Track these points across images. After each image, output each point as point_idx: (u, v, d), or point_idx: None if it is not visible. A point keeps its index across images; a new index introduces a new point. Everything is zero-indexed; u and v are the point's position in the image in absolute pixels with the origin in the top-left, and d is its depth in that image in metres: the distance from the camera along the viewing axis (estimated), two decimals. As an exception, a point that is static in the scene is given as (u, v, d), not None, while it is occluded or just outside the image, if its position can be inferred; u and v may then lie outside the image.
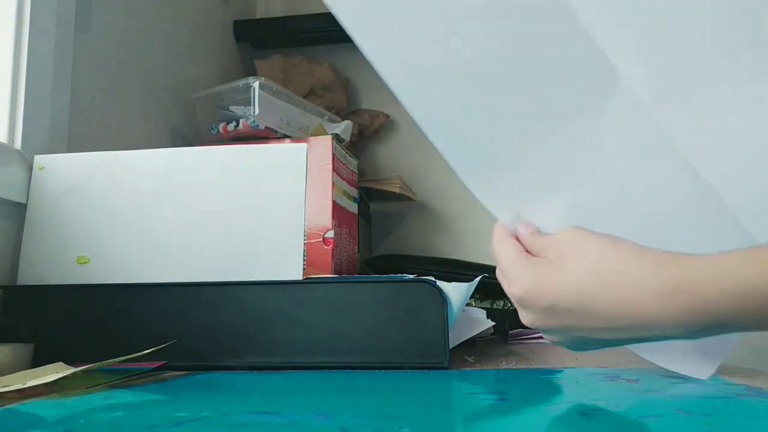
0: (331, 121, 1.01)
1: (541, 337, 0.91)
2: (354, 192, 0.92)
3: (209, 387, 0.44)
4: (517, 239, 0.43)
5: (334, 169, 0.83)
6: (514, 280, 0.41)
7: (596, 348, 0.42)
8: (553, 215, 0.44)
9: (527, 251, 0.42)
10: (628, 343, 0.41)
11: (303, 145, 0.63)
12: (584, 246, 0.39)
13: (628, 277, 0.36)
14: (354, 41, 0.44)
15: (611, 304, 0.36)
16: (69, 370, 0.44)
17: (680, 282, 0.34)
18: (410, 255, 1.14)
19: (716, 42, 0.41)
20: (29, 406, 0.36)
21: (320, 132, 0.97)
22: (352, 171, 0.92)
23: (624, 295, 0.36)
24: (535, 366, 0.53)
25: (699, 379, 0.42)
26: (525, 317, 0.42)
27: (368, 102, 1.32)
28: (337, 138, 0.88)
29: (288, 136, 0.91)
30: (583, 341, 0.41)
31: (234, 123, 0.91)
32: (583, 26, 0.41)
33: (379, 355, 0.52)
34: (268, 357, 0.53)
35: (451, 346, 0.52)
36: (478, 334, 0.63)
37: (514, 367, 0.53)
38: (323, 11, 1.29)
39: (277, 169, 0.62)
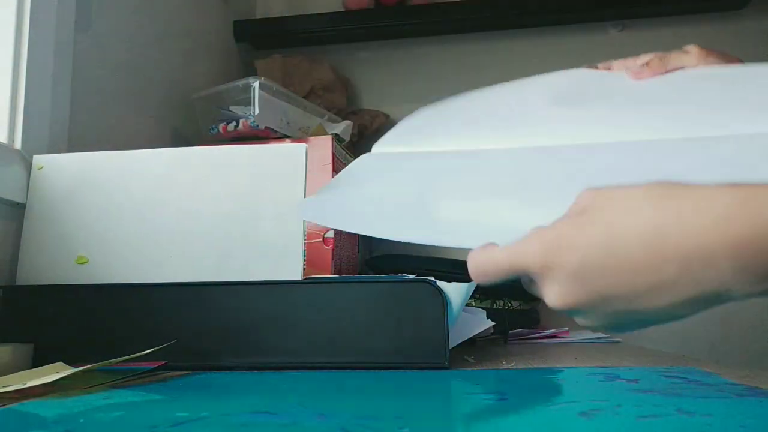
0: (331, 121, 1.01)
1: (541, 337, 0.91)
2: (354, 192, 0.92)
3: (209, 387, 0.44)
4: None
5: (334, 169, 0.83)
6: (527, 249, 0.33)
7: (639, 327, 0.34)
8: None
9: None
10: (673, 318, 0.33)
11: (303, 146, 0.63)
12: (608, 193, 0.32)
13: (679, 209, 0.29)
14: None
15: (658, 245, 0.29)
16: (69, 370, 0.43)
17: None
18: (410, 255, 1.14)
19: None
20: (29, 406, 0.36)
21: (320, 132, 0.97)
22: (352, 171, 0.92)
23: (674, 231, 0.29)
24: (535, 366, 0.53)
25: (698, 378, 0.42)
26: (551, 293, 0.33)
27: (368, 102, 1.32)
28: (337, 138, 0.88)
29: (288, 136, 0.91)
30: (624, 316, 0.33)
31: (234, 123, 0.91)
32: None
33: (379, 355, 0.52)
34: (268, 357, 0.53)
35: (451, 346, 0.52)
36: (478, 334, 0.63)
37: (514, 367, 0.53)
38: (323, 11, 1.30)
39: (277, 169, 0.62)
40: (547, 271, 0.33)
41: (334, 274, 0.79)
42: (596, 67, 0.53)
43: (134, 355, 0.46)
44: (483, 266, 0.35)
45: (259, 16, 1.40)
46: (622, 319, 0.33)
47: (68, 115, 0.73)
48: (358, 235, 0.94)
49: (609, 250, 0.31)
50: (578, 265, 0.31)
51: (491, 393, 0.42)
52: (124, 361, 0.46)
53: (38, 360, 0.53)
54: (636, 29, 1.25)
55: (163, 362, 0.49)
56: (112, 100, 0.84)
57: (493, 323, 0.67)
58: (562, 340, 0.90)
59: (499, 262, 0.35)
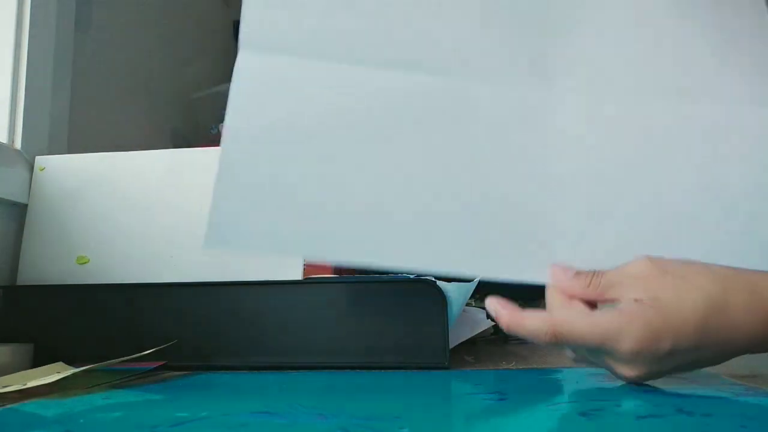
0: (331, 121, 1.01)
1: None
2: (354, 192, 0.92)
3: (209, 387, 0.44)
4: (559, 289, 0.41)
5: (334, 169, 0.83)
6: (622, 339, 0.36)
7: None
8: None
9: (575, 295, 0.39)
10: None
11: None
12: (677, 278, 0.37)
13: (738, 303, 0.36)
14: None
15: (725, 334, 0.36)
16: (69, 370, 0.43)
17: None
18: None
19: None
20: (29, 406, 0.36)
21: (320, 132, 0.97)
22: (352, 171, 0.92)
23: (738, 322, 0.36)
24: (535, 366, 0.53)
25: (698, 378, 0.42)
26: (635, 370, 0.37)
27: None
28: (337, 138, 0.88)
29: (288, 136, 0.91)
30: (672, 372, 0.39)
31: (234, 123, 0.91)
32: None
33: (379, 355, 0.52)
34: (268, 357, 0.53)
35: (451, 346, 0.52)
36: (478, 334, 0.64)
37: (514, 367, 0.53)
38: (323, 11, 1.30)
39: (277, 169, 0.61)
40: (640, 357, 0.37)
41: (334, 274, 0.79)
42: None
43: (134, 355, 0.46)
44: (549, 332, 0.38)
45: (259, 16, 1.40)
46: (667, 374, 0.39)
47: (68, 115, 0.73)
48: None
49: (697, 336, 0.36)
50: (672, 349, 0.36)
51: (491, 393, 0.42)
52: (124, 361, 0.46)
53: (38, 360, 0.53)
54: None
55: (163, 362, 0.49)
56: (112, 100, 0.84)
57: (493, 323, 0.67)
58: (562, 340, 0.90)
59: (580, 333, 0.37)
